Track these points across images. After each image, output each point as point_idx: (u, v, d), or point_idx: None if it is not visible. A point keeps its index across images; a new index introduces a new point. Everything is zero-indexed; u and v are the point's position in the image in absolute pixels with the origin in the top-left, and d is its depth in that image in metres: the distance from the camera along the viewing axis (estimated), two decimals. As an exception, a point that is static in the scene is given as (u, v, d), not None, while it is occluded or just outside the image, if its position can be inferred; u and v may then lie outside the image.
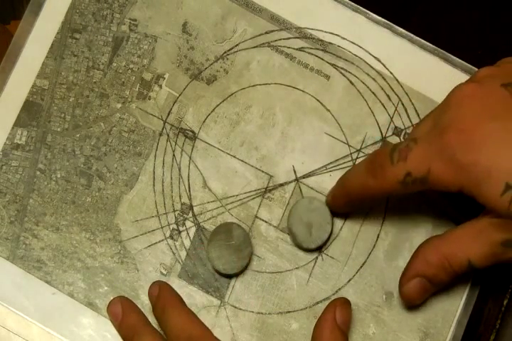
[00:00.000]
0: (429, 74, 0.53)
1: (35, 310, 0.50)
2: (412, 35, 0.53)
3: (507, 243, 0.44)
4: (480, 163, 0.42)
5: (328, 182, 0.52)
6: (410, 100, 0.53)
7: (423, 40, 0.53)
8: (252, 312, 0.51)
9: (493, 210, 0.43)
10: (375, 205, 0.52)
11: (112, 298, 0.50)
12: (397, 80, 0.53)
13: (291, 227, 0.50)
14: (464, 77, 0.52)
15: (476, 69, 0.53)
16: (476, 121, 0.43)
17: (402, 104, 0.53)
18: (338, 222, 0.51)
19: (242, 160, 0.52)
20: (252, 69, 0.53)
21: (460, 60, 0.53)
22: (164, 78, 0.53)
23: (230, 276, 0.51)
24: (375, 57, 0.53)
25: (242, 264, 0.50)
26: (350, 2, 0.53)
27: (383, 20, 0.53)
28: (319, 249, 0.51)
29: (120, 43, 0.53)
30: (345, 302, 0.48)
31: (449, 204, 0.51)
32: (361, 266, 0.51)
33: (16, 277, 0.50)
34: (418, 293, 0.48)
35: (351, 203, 0.49)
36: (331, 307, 0.47)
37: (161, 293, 0.49)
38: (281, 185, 0.52)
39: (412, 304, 0.50)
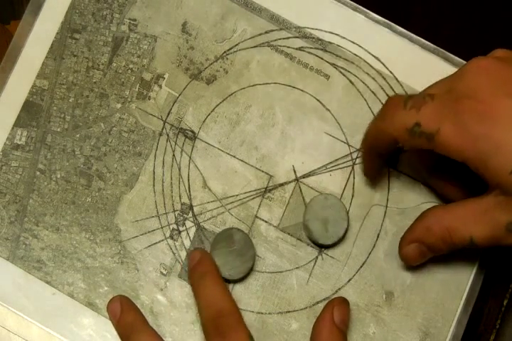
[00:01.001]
0: (429, 73, 0.52)
1: (35, 310, 0.50)
2: (411, 34, 0.53)
3: (511, 226, 0.43)
4: (491, 136, 0.41)
5: (328, 181, 0.52)
6: (410, 99, 0.52)
7: (423, 40, 0.53)
8: (252, 312, 0.51)
9: (498, 187, 0.43)
10: (372, 212, 0.52)
11: (111, 298, 0.50)
12: (396, 79, 0.53)
13: (307, 224, 0.50)
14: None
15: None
16: (492, 95, 0.42)
17: (402, 104, 0.52)
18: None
19: (242, 160, 0.52)
20: (252, 69, 0.53)
21: (460, 59, 0.53)
22: (164, 78, 0.53)
23: (236, 281, 0.50)
24: (374, 57, 0.53)
25: (247, 267, 0.50)
26: (349, 1, 0.53)
27: (383, 19, 0.53)
28: (334, 246, 0.51)
29: (120, 43, 0.53)
30: (342, 302, 0.48)
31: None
32: (361, 266, 0.51)
33: (16, 277, 0.50)
34: (416, 256, 0.48)
35: (371, 155, 0.49)
36: (329, 306, 0.47)
37: (203, 260, 0.49)
38: (281, 184, 0.52)
39: (410, 265, 0.50)
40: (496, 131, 0.42)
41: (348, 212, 0.51)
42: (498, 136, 0.41)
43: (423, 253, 0.48)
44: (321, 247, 0.51)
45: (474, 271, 0.51)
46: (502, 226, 0.43)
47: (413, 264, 0.50)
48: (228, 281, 0.50)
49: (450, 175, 0.49)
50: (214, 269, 0.49)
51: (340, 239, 0.51)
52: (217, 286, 0.48)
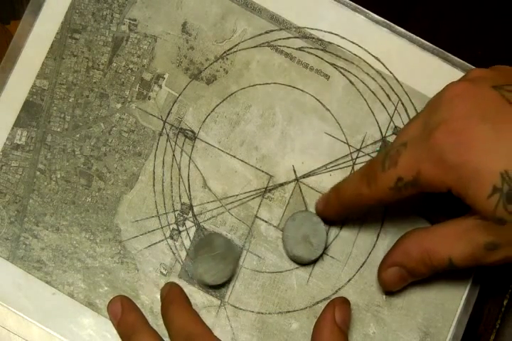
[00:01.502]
0: (429, 73, 0.53)
1: (35, 310, 0.50)
2: (411, 34, 0.53)
3: (489, 246, 0.43)
4: (468, 163, 0.41)
5: (328, 181, 0.52)
6: (410, 99, 0.53)
7: (422, 40, 0.53)
8: (252, 312, 0.51)
9: (478, 212, 0.43)
10: (371, 211, 0.51)
11: (111, 298, 0.50)
12: (396, 80, 0.53)
13: (293, 253, 0.50)
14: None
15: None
16: (465, 122, 0.42)
17: (402, 104, 0.52)
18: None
19: (242, 160, 0.52)
20: (252, 69, 0.53)
21: (460, 60, 0.53)
22: (164, 78, 0.53)
23: (221, 286, 0.50)
24: (374, 57, 0.53)
25: (230, 269, 0.50)
26: (349, 2, 0.53)
27: (383, 19, 0.53)
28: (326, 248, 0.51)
29: (120, 43, 0.53)
30: (344, 302, 0.48)
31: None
32: (361, 266, 0.51)
33: (16, 277, 0.50)
34: (396, 281, 0.48)
35: (345, 211, 0.50)
36: (330, 306, 0.47)
37: (169, 292, 0.49)
38: (281, 184, 0.52)
39: (389, 290, 0.50)
40: (471, 158, 0.41)
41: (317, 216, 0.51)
42: (474, 163, 0.41)
43: (403, 278, 0.48)
44: (314, 262, 0.51)
45: (474, 271, 0.51)
46: (481, 245, 0.44)
47: (392, 289, 0.50)
48: (211, 287, 0.50)
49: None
50: (180, 298, 0.49)
51: (327, 241, 0.51)
52: (184, 313, 0.48)
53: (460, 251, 0.44)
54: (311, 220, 0.50)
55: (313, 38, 0.53)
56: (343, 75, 0.53)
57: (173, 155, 0.52)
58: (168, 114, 0.52)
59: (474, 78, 0.45)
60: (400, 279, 0.48)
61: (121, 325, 0.49)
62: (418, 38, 0.53)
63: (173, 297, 0.49)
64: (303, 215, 0.50)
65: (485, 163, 0.41)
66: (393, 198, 0.45)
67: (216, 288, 0.50)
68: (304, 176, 0.52)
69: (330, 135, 0.52)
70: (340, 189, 0.49)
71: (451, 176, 0.42)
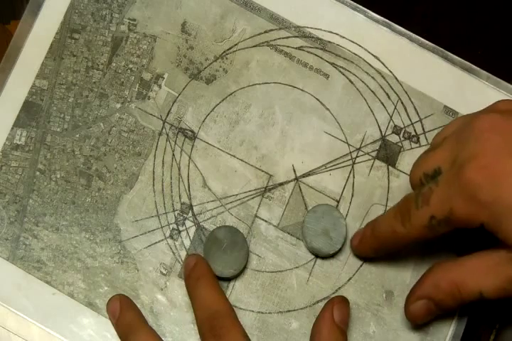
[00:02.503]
0: (429, 72, 0.53)
1: (35, 310, 0.50)
2: (411, 33, 0.53)
3: None
4: (500, 200, 0.41)
5: (327, 181, 0.52)
6: (410, 98, 0.52)
7: (422, 39, 0.53)
8: (253, 311, 0.51)
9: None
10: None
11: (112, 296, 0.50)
12: (396, 79, 0.53)
13: (312, 245, 0.50)
14: (463, 75, 0.53)
15: (477, 68, 0.53)
16: (496, 157, 0.42)
17: (402, 103, 0.52)
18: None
19: (241, 160, 0.52)
20: (252, 69, 0.53)
21: (459, 59, 0.53)
22: (163, 78, 0.53)
23: (241, 273, 0.51)
24: (374, 56, 0.53)
25: (245, 252, 0.50)
26: (349, 1, 0.53)
27: (382, 18, 0.53)
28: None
29: (119, 43, 0.53)
30: (342, 301, 0.48)
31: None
32: (361, 265, 0.51)
33: (16, 277, 0.50)
34: (423, 314, 0.48)
35: (381, 249, 0.49)
36: (329, 305, 0.47)
37: (198, 265, 0.49)
38: (281, 184, 0.52)
39: (415, 323, 0.50)
40: (504, 194, 0.41)
41: (339, 212, 0.51)
42: (508, 198, 0.41)
43: (430, 311, 0.47)
44: (332, 256, 0.51)
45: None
46: None
47: (419, 323, 0.49)
48: (233, 278, 0.51)
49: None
50: (208, 273, 0.49)
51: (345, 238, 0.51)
52: (212, 289, 0.48)
53: (491, 284, 0.44)
54: (332, 214, 0.50)
55: (313, 37, 0.53)
56: (343, 74, 0.53)
57: (173, 154, 0.52)
58: (168, 113, 0.52)
59: (503, 111, 0.44)
60: (427, 312, 0.47)
61: (120, 324, 0.49)
62: (418, 37, 0.53)
63: (201, 272, 0.49)
64: (324, 208, 0.51)
65: None
66: (428, 236, 0.45)
67: (235, 276, 0.51)
68: (304, 175, 0.52)
69: (329, 134, 0.52)
70: (375, 226, 0.49)
71: (484, 212, 0.42)
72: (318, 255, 0.51)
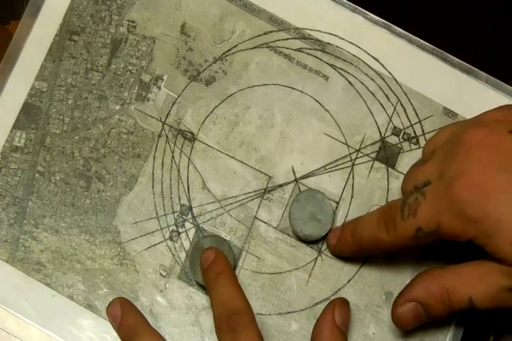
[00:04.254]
0: (428, 74, 0.53)
1: (34, 313, 0.50)
2: (410, 35, 0.53)
3: None
4: (489, 216, 0.42)
5: (327, 182, 0.52)
6: (409, 100, 0.52)
7: (422, 40, 0.53)
8: (252, 313, 0.51)
9: (501, 260, 0.43)
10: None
11: (111, 299, 0.50)
12: (395, 80, 0.53)
13: (303, 233, 0.50)
14: (462, 77, 0.52)
15: (476, 69, 0.53)
16: (484, 173, 0.42)
17: (401, 104, 0.52)
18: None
19: (241, 161, 0.52)
20: (251, 70, 0.53)
21: (459, 60, 0.53)
22: (163, 79, 0.53)
23: None
24: (373, 58, 0.53)
25: (231, 260, 0.50)
26: (348, 2, 0.53)
27: (382, 20, 0.53)
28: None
29: (118, 45, 0.53)
30: (343, 302, 0.48)
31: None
32: (361, 267, 0.51)
33: (15, 279, 0.50)
34: (410, 318, 0.47)
35: (361, 252, 0.50)
36: (330, 307, 0.47)
37: (218, 260, 0.49)
38: (281, 185, 0.52)
39: (402, 328, 0.49)
40: (492, 210, 0.42)
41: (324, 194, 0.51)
42: (496, 214, 0.41)
43: (418, 315, 0.46)
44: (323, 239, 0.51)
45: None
46: (504, 288, 0.43)
47: (406, 328, 0.48)
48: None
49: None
50: (229, 269, 0.48)
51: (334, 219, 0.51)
52: (232, 285, 0.47)
53: (481, 292, 0.44)
54: (315, 197, 0.51)
55: (312, 38, 0.53)
56: (342, 76, 0.53)
57: (172, 156, 0.52)
58: (167, 115, 0.52)
59: (490, 123, 0.44)
60: (414, 316, 0.47)
61: (122, 328, 0.49)
62: (417, 38, 0.53)
63: (222, 267, 0.48)
64: (306, 194, 0.51)
65: (506, 214, 0.41)
66: (413, 245, 0.46)
67: None
68: (303, 177, 0.52)
69: (329, 136, 0.52)
70: (356, 229, 0.48)
71: (472, 228, 0.42)
72: (310, 241, 0.51)
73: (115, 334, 0.49)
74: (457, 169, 0.43)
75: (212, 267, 0.48)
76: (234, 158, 0.52)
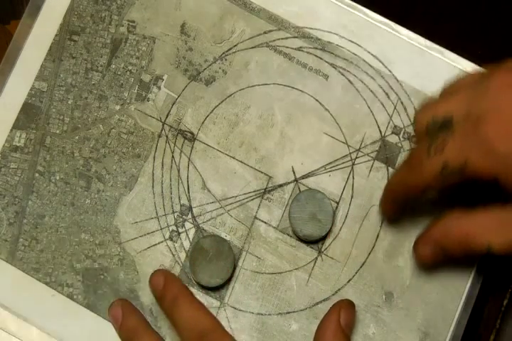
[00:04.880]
0: (428, 72, 0.52)
1: (34, 312, 0.50)
2: (411, 33, 0.53)
3: None
4: None
5: (327, 182, 0.52)
6: (409, 99, 0.52)
7: (422, 38, 0.53)
8: (252, 313, 0.50)
9: None
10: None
11: (112, 301, 0.50)
12: (396, 79, 0.52)
13: (303, 233, 0.50)
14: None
15: (477, 67, 0.52)
16: None
17: (401, 103, 0.52)
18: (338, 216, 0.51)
19: (241, 161, 0.52)
20: (251, 70, 0.53)
21: (459, 58, 0.52)
22: (163, 79, 0.53)
23: (229, 280, 0.50)
24: (373, 56, 0.53)
25: (231, 262, 0.50)
26: (348, 1, 0.53)
27: (382, 18, 0.53)
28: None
29: (118, 45, 0.53)
30: (350, 305, 0.48)
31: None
32: (361, 267, 0.51)
33: (15, 279, 0.50)
34: (430, 258, 0.48)
35: (396, 203, 0.49)
36: (336, 308, 0.47)
37: (169, 284, 0.48)
38: (281, 185, 0.52)
39: (423, 266, 0.50)
40: None
41: (322, 193, 0.51)
42: None
43: (438, 256, 0.48)
44: (324, 238, 0.51)
45: (474, 271, 0.51)
46: None
47: (428, 264, 0.50)
48: (220, 287, 0.50)
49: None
50: (184, 290, 0.48)
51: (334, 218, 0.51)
52: (192, 307, 0.47)
53: (500, 239, 0.44)
54: (315, 197, 0.50)
55: (312, 37, 0.53)
56: (342, 75, 0.53)
57: (172, 156, 0.52)
58: (167, 115, 0.52)
59: None
60: (435, 256, 0.48)
61: (123, 329, 0.49)
62: (418, 36, 0.53)
63: (175, 291, 0.48)
64: (306, 194, 0.51)
65: None
66: (438, 185, 0.45)
67: (222, 286, 0.50)
68: (304, 177, 0.52)
69: (329, 135, 0.52)
70: (389, 181, 0.49)
71: (500, 166, 0.42)
72: (310, 241, 0.51)
73: (115, 333, 0.49)
74: (487, 106, 0.43)
75: (166, 293, 0.48)
76: (234, 158, 0.52)
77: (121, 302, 0.50)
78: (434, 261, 0.49)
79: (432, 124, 0.45)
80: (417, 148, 0.46)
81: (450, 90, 0.47)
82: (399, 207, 0.50)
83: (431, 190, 0.46)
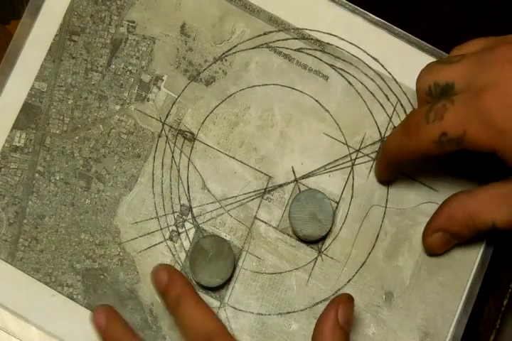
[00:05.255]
0: (428, 74, 0.53)
1: (34, 312, 0.50)
2: (410, 35, 0.53)
3: None
4: None
5: (327, 182, 0.52)
6: (409, 100, 0.53)
7: (421, 41, 0.53)
8: (252, 313, 0.51)
9: None
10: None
11: (111, 301, 0.50)
12: (395, 80, 0.53)
13: (303, 233, 0.50)
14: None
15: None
16: None
17: (401, 104, 0.52)
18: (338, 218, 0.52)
19: (241, 161, 0.52)
20: (251, 70, 0.53)
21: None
22: (163, 80, 0.53)
23: (229, 280, 0.50)
24: (373, 58, 0.53)
25: (231, 261, 0.50)
26: (348, 3, 0.53)
27: (381, 20, 0.53)
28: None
29: (118, 45, 0.53)
30: (348, 300, 0.47)
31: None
32: (361, 267, 0.51)
33: (15, 279, 0.50)
34: (440, 245, 0.50)
35: (390, 167, 0.50)
36: (334, 304, 0.46)
37: (174, 281, 0.47)
38: (281, 185, 0.52)
39: (434, 254, 0.51)
40: None
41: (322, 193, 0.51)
42: None
43: (447, 242, 0.49)
44: (324, 238, 0.51)
45: (474, 271, 0.51)
46: None
47: (438, 253, 0.51)
48: (220, 287, 0.50)
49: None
50: (189, 288, 0.47)
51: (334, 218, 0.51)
52: (197, 307, 0.46)
53: (503, 215, 0.45)
54: (315, 197, 0.51)
55: (312, 39, 0.53)
56: (342, 76, 0.53)
57: (172, 156, 0.52)
58: (167, 115, 0.52)
59: None
60: (444, 243, 0.49)
61: (107, 337, 0.48)
62: (417, 38, 0.53)
63: (180, 288, 0.47)
64: (306, 194, 0.51)
65: None
66: (434, 152, 0.45)
67: (222, 286, 0.50)
68: (303, 177, 0.52)
69: (329, 136, 0.52)
70: (384, 144, 0.49)
71: (499, 139, 0.42)
72: (310, 241, 0.51)
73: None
74: (489, 79, 0.43)
75: (170, 290, 0.47)
76: (234, 158, 0.52)
77: (104, 308, 0.48)
78: (446, 248, 0.50)
79: (434, 88, 0.45)
80: (416, 112, 0.46)
81: (455, 56, 0.47)
82: (394, 171, 0.50)
83: (427, 155, 0.46)
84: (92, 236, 0.51)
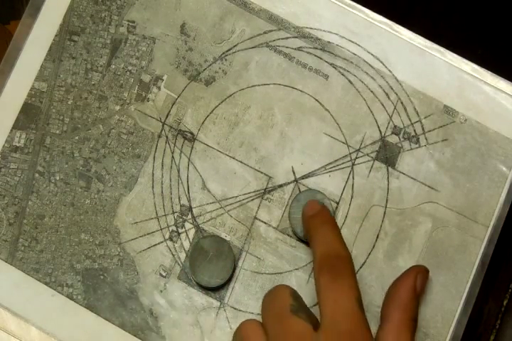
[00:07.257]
0: (428, 72, 0.52)
1: (34, 312, 0.50)
2: (411, 33, 0.53)
3: None
4: None
5: (327, 182, 0.52)
6: (409, 98, 0.52)
7: (422, 38, 0.53)
8: (252, 313, 0.50)
9: None
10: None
11: (111, 300, 0.50)
12: (395, 78, 0.52)
13: (303, 234, 0.50)
14: (462, 75, 0.52)
15: (477, 67, 0.52)
16: None
17: (401, 103, 0.52)
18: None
19: (241, 161, 0.52)
20: (251, 70, 0.53)
21: (459, 57, 0.52)
22: (163, 80, 0.53)
23: (229, 280, 0.50)
24: (373, 56, 0.53)
25: (231, 261, 0.50)
26: (348, 1, 0.53)
27: (382, 18, 0.53)
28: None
29: (118, 45, 0.53)
30: (426, 270, 0.48)
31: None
32: (361, 267, 0.51)
33: (15, 279, 0.50)
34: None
35: None
36: (413, 272, 0.47)
37: (324, 212, 0.49)
38: (281, 186, 0.52)
39: None
40: None
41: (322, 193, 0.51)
42: None
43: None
44: None
45: (474, 271, 0.51)
46: None
47: None
48: (220, 287, 0.50)
49: None
50: (335, 223, 0.48)
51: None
52: (338, 235, 0.47)
53: None
54: (315, 197, 0.50)
55: (312, 37, 0.53)
56: (342, 75, 0.53)
57: (172, 156, 0.52)
58: (167, 115, 0.52)
59: None
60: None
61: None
62: (417, 36, 0.53)
63: (328, 218, 0.48)
64: (306, 194, 0.51)
65: None
66: None
67: (222, 286, 0.50)
68: (304, 177, 0.52)
69: (329, 135, 0.52)
70: None
71: None
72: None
73: (115, 334, 0.49)
74: None
75: (319, 216, 0.49)
76: (234, 158, 0.52)
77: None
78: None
79: None
80: None
81: None
82: None
83: None
84: (91, 236, 0.51)
